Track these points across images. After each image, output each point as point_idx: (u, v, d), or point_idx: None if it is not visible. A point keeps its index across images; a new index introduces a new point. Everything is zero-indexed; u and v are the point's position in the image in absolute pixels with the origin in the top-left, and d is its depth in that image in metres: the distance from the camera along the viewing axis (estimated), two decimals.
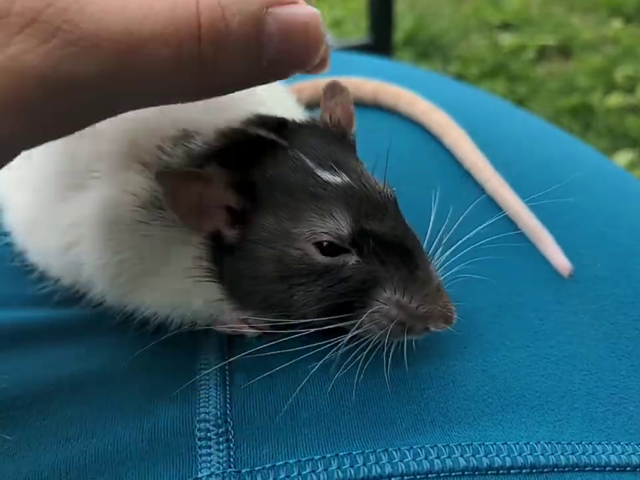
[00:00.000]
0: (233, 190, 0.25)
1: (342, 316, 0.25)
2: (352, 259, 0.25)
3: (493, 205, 0.35)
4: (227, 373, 0.27)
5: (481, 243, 0.33)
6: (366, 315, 0.25)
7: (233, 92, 0.21)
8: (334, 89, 0.29)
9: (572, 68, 1.64)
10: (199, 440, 0.24)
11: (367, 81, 0.43)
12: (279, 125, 0.27)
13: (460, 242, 0.31)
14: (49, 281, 0.32)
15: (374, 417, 0.25)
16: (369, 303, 0.25)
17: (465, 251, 0.32)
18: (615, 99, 1.49)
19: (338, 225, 0.24)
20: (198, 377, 0.27)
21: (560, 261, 0.32)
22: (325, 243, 0.24)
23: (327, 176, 0.25)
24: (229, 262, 0.26)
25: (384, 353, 0.26)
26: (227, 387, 0.26)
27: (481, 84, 1.59)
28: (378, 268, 0.25)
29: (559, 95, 1.53)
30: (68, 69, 0.17)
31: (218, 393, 0.26)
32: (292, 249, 0.25)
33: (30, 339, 0.29)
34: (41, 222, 0.30)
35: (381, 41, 1.28)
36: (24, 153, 0.20)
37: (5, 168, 0.22)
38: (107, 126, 0.23)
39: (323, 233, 0.24)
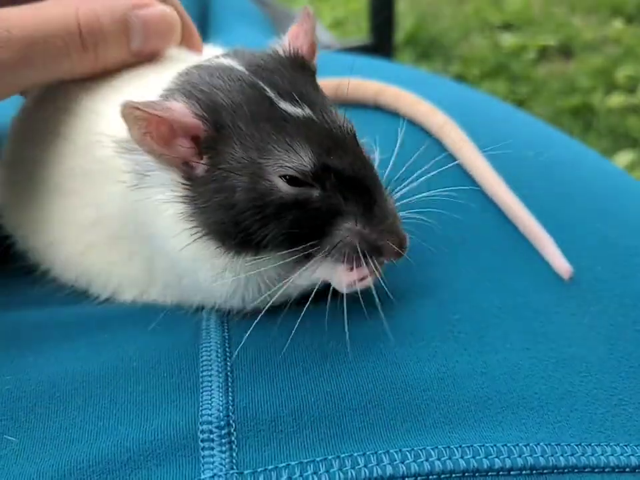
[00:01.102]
0: (196, 117, 0.26)
1: (309, 244, 0.27)
2: (316, 192, 0.26)
3: (492, 206, 0.35)
4: (228, 375, 0.27)
5: (480, 243, 0.33)
6: (330, 242, 0.27)
7: (113, 68, 0.31)
8: (303, 16, 0.30)
9: (573, 68, 1.64)
10: (201, 442, 0.24)
11: (368, 81, 0.43)
12: (239, 55, 0.28)
13: (458, 241, 0.32)
14: (50, 281, 0.32)
15: (375, 418, 0.25)
16: (332, 233, 0.27)
17: (466, 251, 0.33)
18: (616, 99, 1.49)
19: (301, 160, 0.25)
20: (200, 379, 0.27)
21: (560, 263, 0.32)
22: (288, 177, 0.26)
23: (288, 107, 0.26)
24: (204, 195, 0.26)
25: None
26: (229, 390, 0.26)
27: (482, 84, 1.59)
28: (340, 201, 0.26)
29: (560, 95, 1.53)
30: None
31: (220, 395, 0.26)
32: (261, 179, 0.26)
33: (31, 339, 0.30)
34: (43, 222, 0.31)
35: (382, 41, 1.28)
36: None
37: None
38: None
39: (288, 167, 0.25)
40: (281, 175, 0.26)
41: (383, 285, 0.29)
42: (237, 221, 0.26)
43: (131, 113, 0.25)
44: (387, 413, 0.26)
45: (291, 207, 0.26)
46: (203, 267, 0.28)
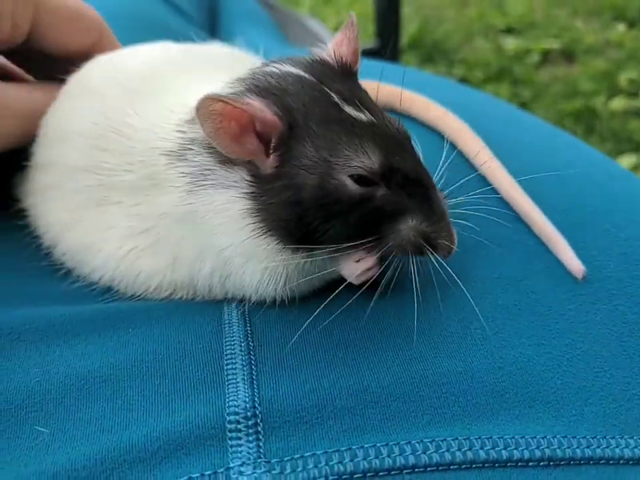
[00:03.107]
0: (274, 115, 0.27)
1: (370, 240, 0.28)
2: (381, 191, 0.27)
3: (505, 206, 0.36)
4: (253, 368, 0.28)
5: (495, 243, 0.34)
6: (393, 238, 0.28)
7: None
8: (348, 24, 0.31)
9: (576, 72, 1.65)
10: (229, 432, 0.25)
11: (381, 84, 0.44)
12: (297, 62, 0.29)
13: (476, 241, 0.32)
14: (78, 278, 0.33)
15: (396, 410, 0.26)
16: (394, 229, 0.28)
17: (481, 251, 0.34)
18: (619, 103, 1.50)
19: (370, 160, 0.27)
20: (225, 372, 0.28)
21: (573, 263, 0.32)
22: (357, 176, 0.27)
23: (353, 112, 0.28)
24: (271, 192, 0.28)
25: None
26: (254, 382, 0.27)
27: (485, 87, 1.60)
28: (404, 199, 0.28)
29: (563, 98, 1.54)
30: None
31: (245, 387, 0.27)
32: (331, 178, 0.27)
33: (59, 333, 0.30)
34: (77, 225, 0.32)
35: (386, 45, 1.29)
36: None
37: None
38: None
39: (357, 166, 0.27)
40: (350, 174, 0.27)
41: (401, 280, 0.30)
42: (301, 217, 0.27)
43: (209, 106, 0.25)
44: (407, 406, 0.26)
45: (357, 204, 0.27)
46: (258, 262, 0.29)
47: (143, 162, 0.30)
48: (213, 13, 0.93)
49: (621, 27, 1.80)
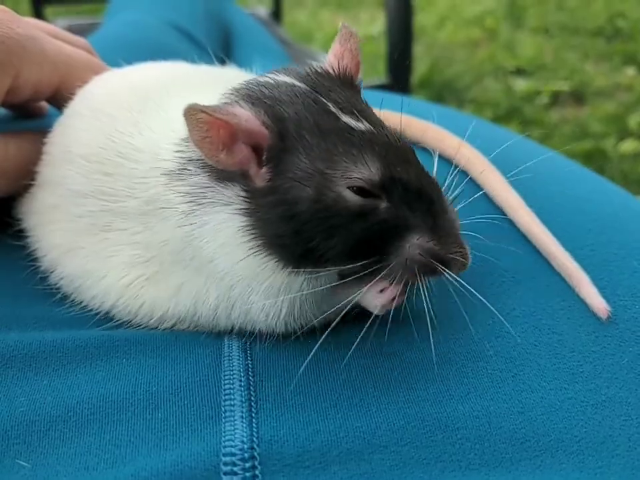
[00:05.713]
0: (262, 125, 0.25)
1: (372, 260, 0.26)
2: (382, 204, 0.26)
3: (526, 243, 0.35)
4: (252, 405, 0.26)
5: (514, 280, 0.32)
6: (397, 258, 0.26)
7: None
8: (345, 35, 0.30)
9: (585, 114, 1.65)
10: (224, 475, 0.23)
11: (393, 113, 0.43)
12: (293, 72, 0.28)
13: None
14: (72, 304, 0.32)
15: (407, 456, 0.24)
16: (399, 247, 0.26)
17: (499, 288, 0.32)
18: (629, 145, 1.50)
19: (369, 171, 0.25)
20: (222, 409, 0.26)
21: (597, 302, 0.30)
22: (356, 188, 0.25)
23: (351, 121, 0.26)
24: (265, 207, 0.26)
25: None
26: (253, 421, 0.25)
27: None
28: (407, 214, 0.26)
29: (573, 139, 1.53)
30: None
31: (244, 426, 0.25)
32: (327, 190, 0.25)
33: (49, 360, 0.29)
34: (78, 249, 0.31)
35: (398, 84, 1.29)
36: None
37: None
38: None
39: (356, 177, 0.25)
40: (348, 186, 0.25)
41: (411, 316, 0.28)
42: (299, 232, 0.26)
43: (194, 115, 0.24)
44: (419, 452, 0.24)
45: (357, 218, 0.26)
46: (260, 286, 0.27)
47: (144, 184, 0.29)
48: (227, 45, 0.94)
49: (631, 71, 1.82)
